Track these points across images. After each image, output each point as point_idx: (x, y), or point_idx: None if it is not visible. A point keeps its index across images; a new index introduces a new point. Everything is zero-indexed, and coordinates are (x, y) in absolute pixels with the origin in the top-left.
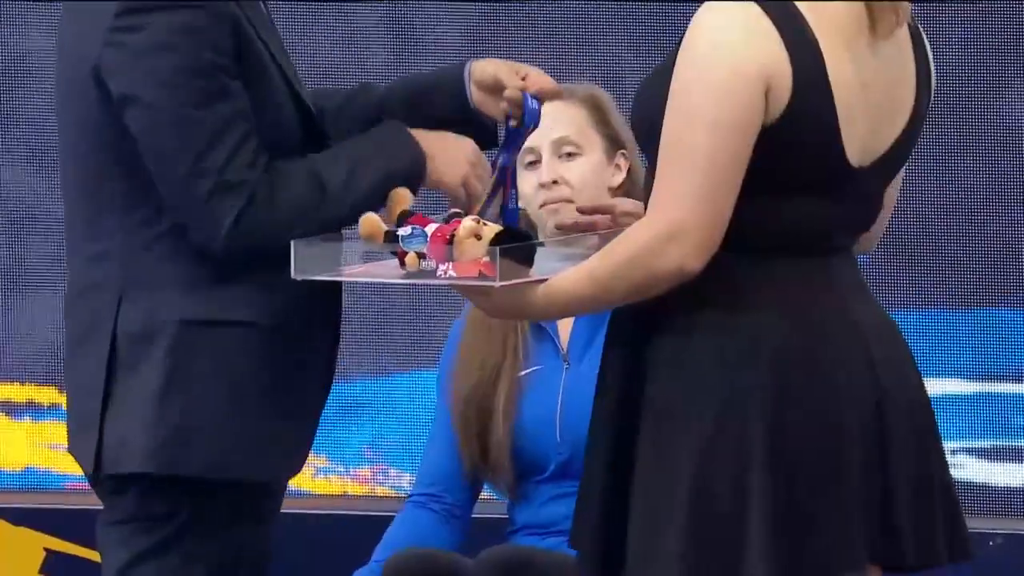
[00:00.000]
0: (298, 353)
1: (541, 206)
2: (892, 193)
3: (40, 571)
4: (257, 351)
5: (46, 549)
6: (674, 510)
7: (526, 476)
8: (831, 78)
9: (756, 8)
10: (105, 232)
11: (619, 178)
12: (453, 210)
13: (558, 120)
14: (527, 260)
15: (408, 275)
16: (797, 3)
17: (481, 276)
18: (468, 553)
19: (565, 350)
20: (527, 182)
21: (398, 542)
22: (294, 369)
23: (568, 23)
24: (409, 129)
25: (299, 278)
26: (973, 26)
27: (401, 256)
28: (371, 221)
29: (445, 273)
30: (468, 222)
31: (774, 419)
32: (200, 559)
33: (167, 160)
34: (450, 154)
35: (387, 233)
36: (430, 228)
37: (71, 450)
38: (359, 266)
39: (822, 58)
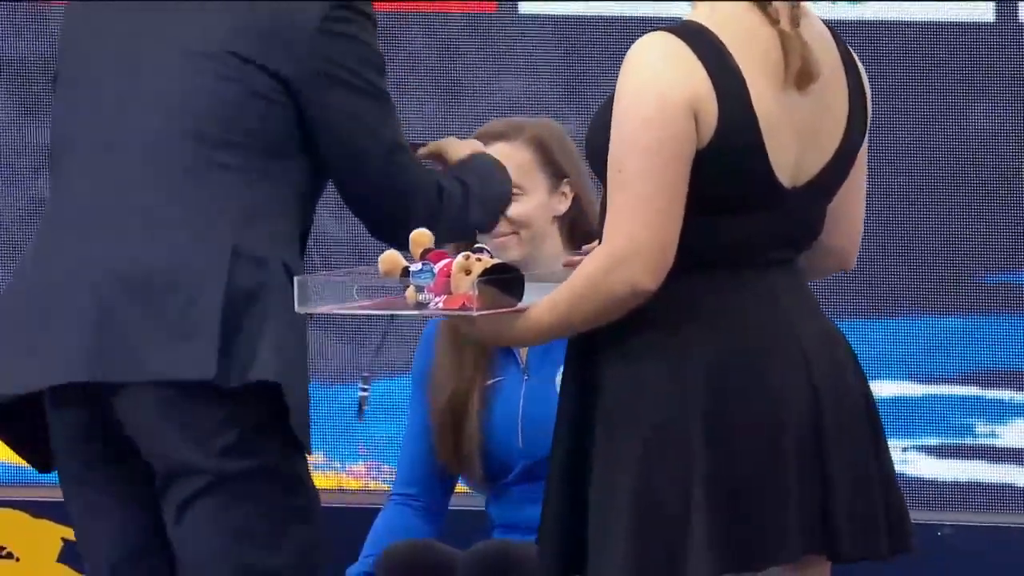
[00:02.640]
0: None
1: (489, 238)
2: (859, 212)
3: (58, 559)
4: None
5: (63, 539)
6: (623, 510)
7: (496, 477)
8: (755, 104)
9: (681, 43)
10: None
11: (564, 206)
12: (477, 245)
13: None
14: (513, 292)
15: (391, 307)
16: (720, 37)
17: (463, 307)
18: (459, 544)
19: (524, 363)
20: None
21: (385, 535)
22: None
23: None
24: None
25: (302, 311)
26: (906, 47)
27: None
28: (392, 257)
29: (435, 306)
30: (459, 259)
31: (713, 422)
32: None
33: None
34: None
35: (404, 269)
36: (441, 263)
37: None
38: (366, 300)
39: (745, 86)
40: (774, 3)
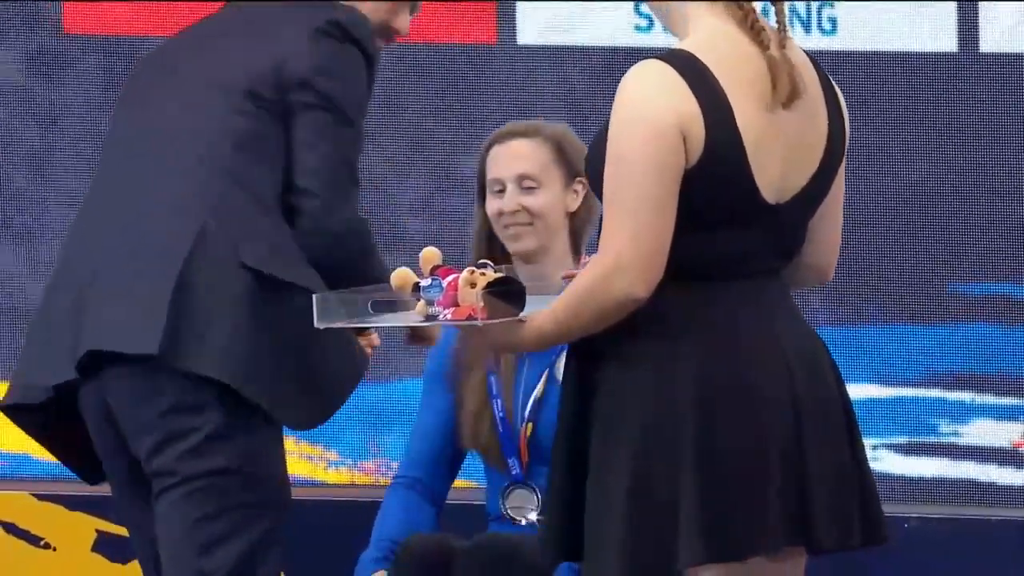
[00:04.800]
0: None
1: (505, 228)
2: (836, 230)
3: (92, 549)
4: None
5: (97, 530)
6: (617, 504)
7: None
8: (740, 126)
9: (669, 68)
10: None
11: (576, 203)
12: (481, 261)
13: (524, 157)
14: (515, 302)
15: (405, 319)
16: (708, 64)
17: (469, 317)
18: (467, 535)
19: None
20: (492, 207)
21: (392, 516)
22: None
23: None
24: None
25: (322, 326)
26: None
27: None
28: (403, 274)
29: (445, 318)
30: (465, 273)
31: (701, 424)
32: None
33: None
34: None
35: (415, 284)
36: (449, 278)
37: None
38: (381, 315)
39: (730, 109)
40: (766, 31)
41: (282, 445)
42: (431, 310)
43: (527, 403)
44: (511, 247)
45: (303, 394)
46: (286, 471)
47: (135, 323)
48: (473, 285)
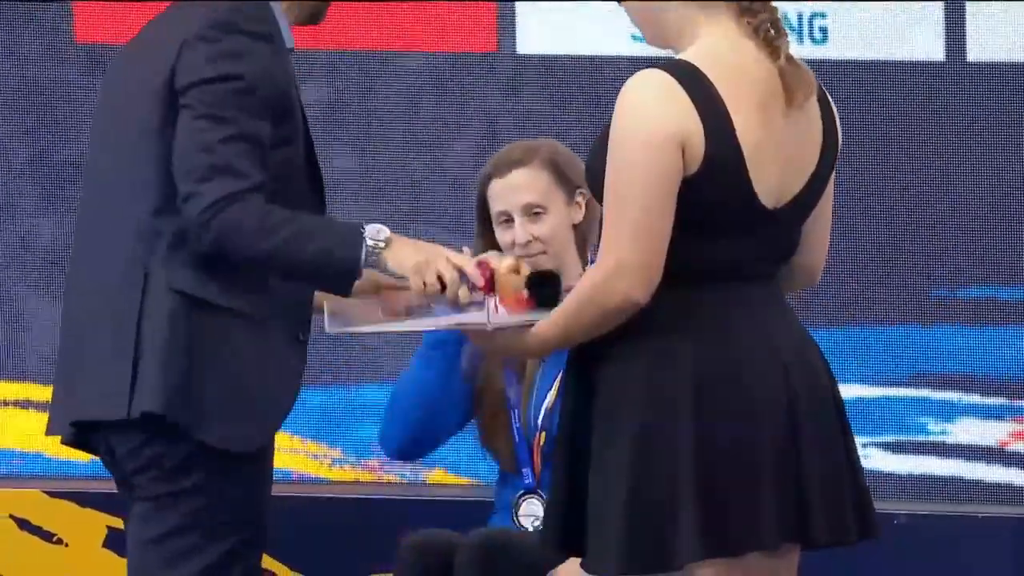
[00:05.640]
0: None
1: (520, 257)
2: (826, 234)
3: (103, 545)
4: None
5: (108, 527)
6: (617, 501)
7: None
8: (739, 135)
9: (670, 78)
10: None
11: (580, 214)
12: (491, 252)
13: (526, 187)
14: (553, 293)
15: (417, 323)
16: (708, 74)
17: (476, 312)
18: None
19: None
20: (504, 238)
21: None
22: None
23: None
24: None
25: (333, 332)
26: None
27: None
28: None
29: (495, 308)
30: (508, 260)
31: (699, 422)
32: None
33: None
34: (408, 247)
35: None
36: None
37: None
38: (390, 320)
39: (730, 118)
40: (776, 41)
41: (261, 465)
42: (474, 295)
43: (539, 412)
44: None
45: (234, 416)
46: (261, 491)
47: (108, 389)
48: (517, 271)
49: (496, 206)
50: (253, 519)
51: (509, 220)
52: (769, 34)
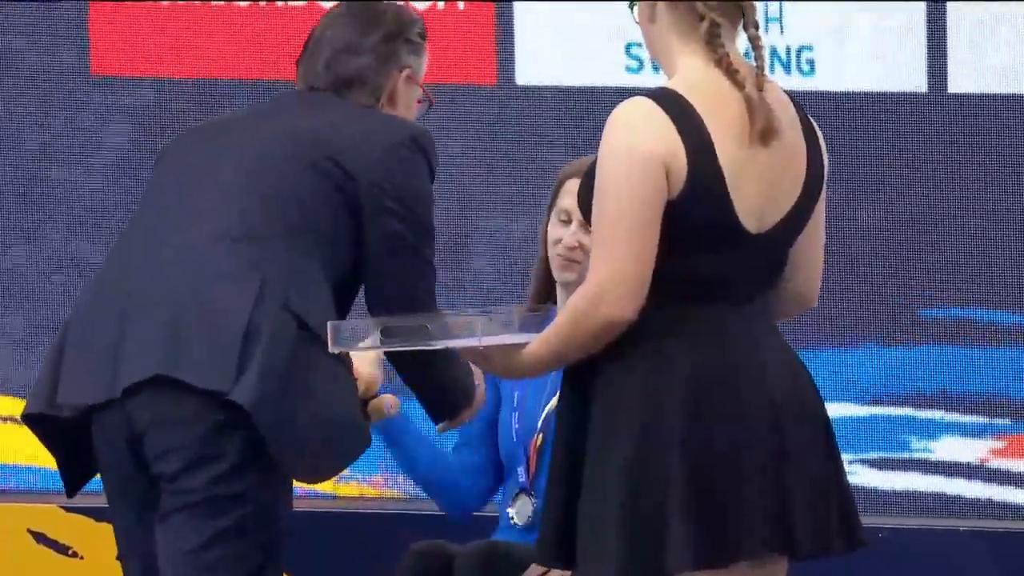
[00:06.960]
0: None
1: (558, 256)
2: (819, 259)
3: (117, 558)
4: None
5: None
6: (610, 511)
7: None
8: (720, 159)
9: (656, 106)
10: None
11: None
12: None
13: None
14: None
15: (424, 342)
16: (692, 102)
17: (469, 335)
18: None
19: None
20: (555, 232)
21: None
22: None
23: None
24: None
25: (336, 351)
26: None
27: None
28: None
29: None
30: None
31: (688, 434)
32: None
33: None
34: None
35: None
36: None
37: None
38: (395, 339)
39: (712, 144)
40: (741, 72)
41: (289, 483)
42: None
43: (540, 414)
44: (559, 276)
45: (312, 447)
46: (287, 501)
47: (212, 361)
48: None
49: (562, 203)
50: (283, 529)
51: (567, 221)
52: (731, 67)
